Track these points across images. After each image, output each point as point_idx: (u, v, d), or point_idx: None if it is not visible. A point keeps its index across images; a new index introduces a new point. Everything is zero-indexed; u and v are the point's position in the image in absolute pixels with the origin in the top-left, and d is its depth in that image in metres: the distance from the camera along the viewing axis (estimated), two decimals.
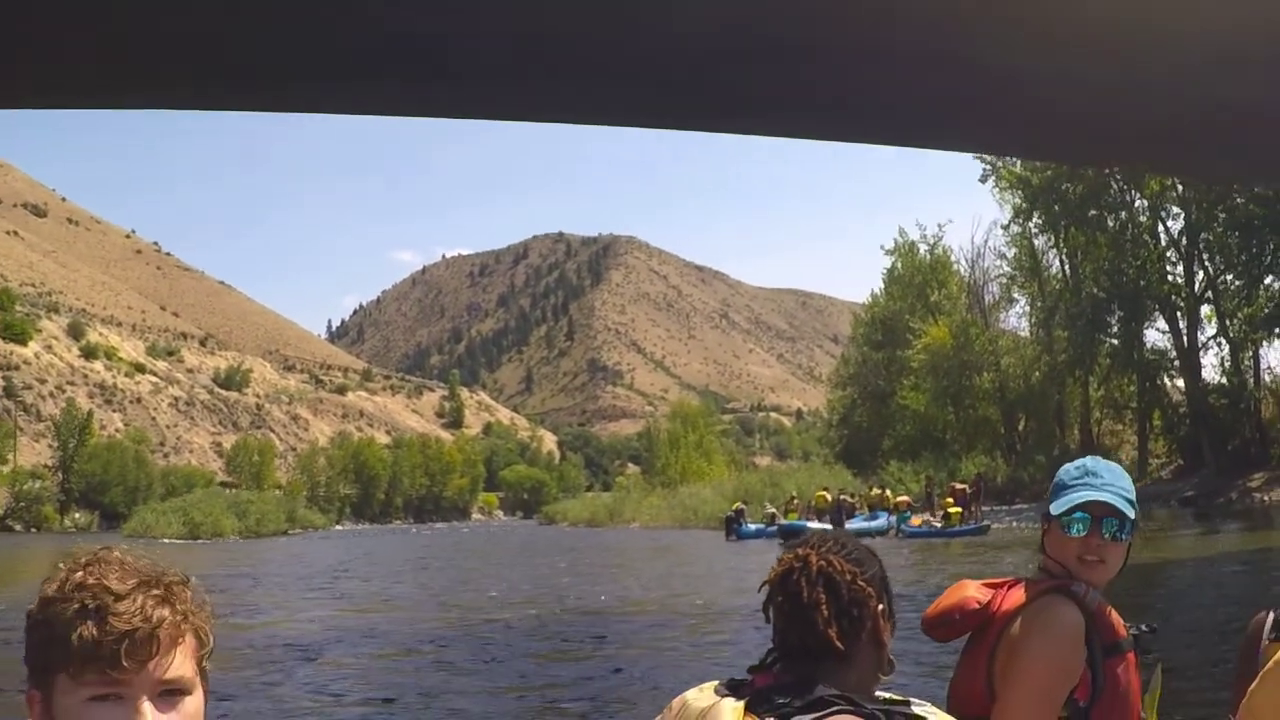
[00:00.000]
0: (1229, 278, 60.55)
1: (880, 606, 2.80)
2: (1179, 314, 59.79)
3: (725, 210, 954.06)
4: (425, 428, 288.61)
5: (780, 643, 2.77)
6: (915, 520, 50.54)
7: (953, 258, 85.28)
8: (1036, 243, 72.50)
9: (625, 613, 23.22)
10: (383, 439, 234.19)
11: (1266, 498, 49.55)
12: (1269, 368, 61.48)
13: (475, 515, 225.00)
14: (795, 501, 59.51)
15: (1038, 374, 72.08)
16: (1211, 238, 59.32)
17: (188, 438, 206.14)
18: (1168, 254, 61.51)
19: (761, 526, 54.90)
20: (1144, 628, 3.44)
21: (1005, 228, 70.52)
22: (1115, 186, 60.84)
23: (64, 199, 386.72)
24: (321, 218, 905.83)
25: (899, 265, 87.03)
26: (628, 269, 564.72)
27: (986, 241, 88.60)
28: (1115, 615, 3.32)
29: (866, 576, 2.79)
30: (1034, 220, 65.84)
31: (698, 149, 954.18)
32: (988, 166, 67.30)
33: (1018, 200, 66.37)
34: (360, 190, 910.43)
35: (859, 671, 2.73)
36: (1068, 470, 3.46)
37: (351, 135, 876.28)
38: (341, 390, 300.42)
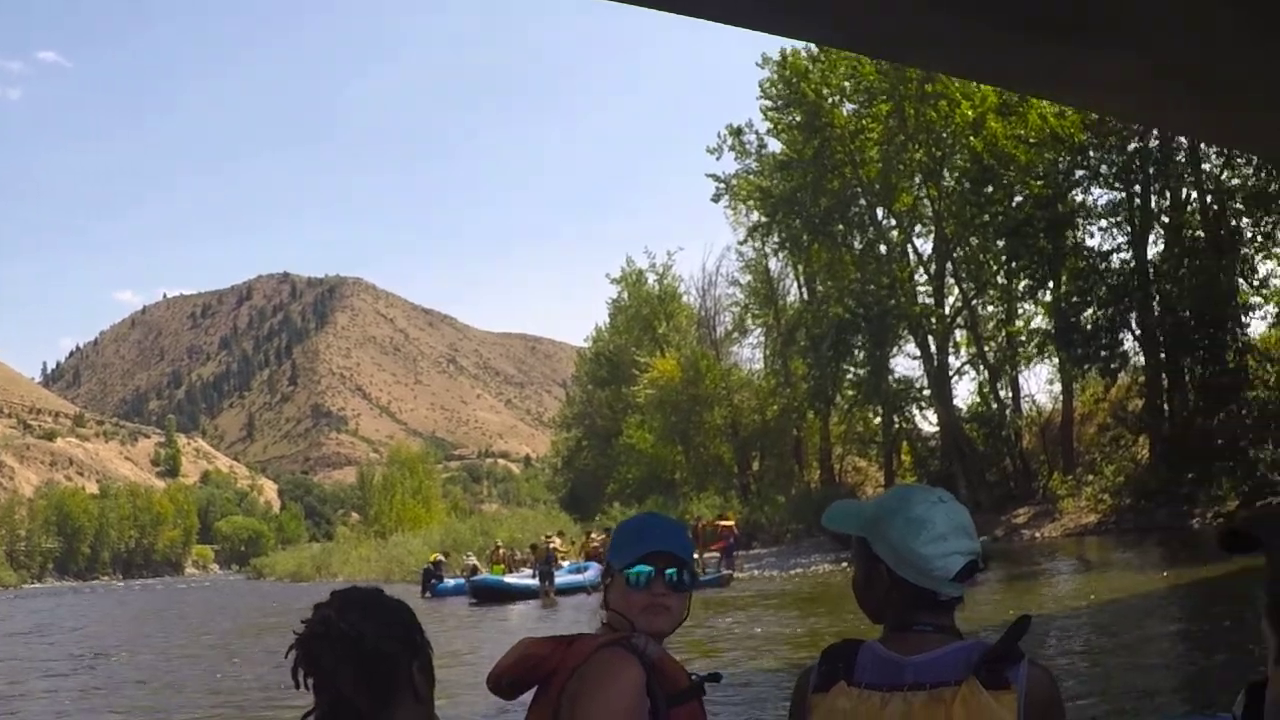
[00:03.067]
0: (985, 299, 56.76)
1: (414, 663, 2.90)
2: (930, 338, 55.08)
3: (455, 253, 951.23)
4: (139, 476, 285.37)
5: (317, 705, 2.83)
6: None
7: (682, 288, 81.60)
8: (772, 265, 68.48)
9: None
10: (93, 488, 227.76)
11: (1037, 534, 44.76)
12: (1029, 395, 57.39)
13: (189, 569, 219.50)
14: (500, 551, 54.07)
15: (774, 408, 67.30)
16: (964, 255, 54.96)
17: None
18: (917, 274, 56.82)
19: (461, 581, 49.03)
20: (707, 675, 3.46)
21: (742, 243, 65.43)
22: (863, 201, 56.14)
23: None
24: (37, 254, 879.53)
25: (625, 296, 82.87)
26: (354, 311, 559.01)
27: (719, 268, 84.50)
28: (677, 665, 3.36)
29: (395, 634, 2.87)
30: (772, 237, 60.68)
31: (428, 189, 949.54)
32: (720, 185, 62.41)
33: (756, 216, 61.19)
34: (79, 225, 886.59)
35: None
36: (628, 524, 3.57)
37: (70, 166, 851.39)
38: (50, 436, 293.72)
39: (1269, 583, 2.40)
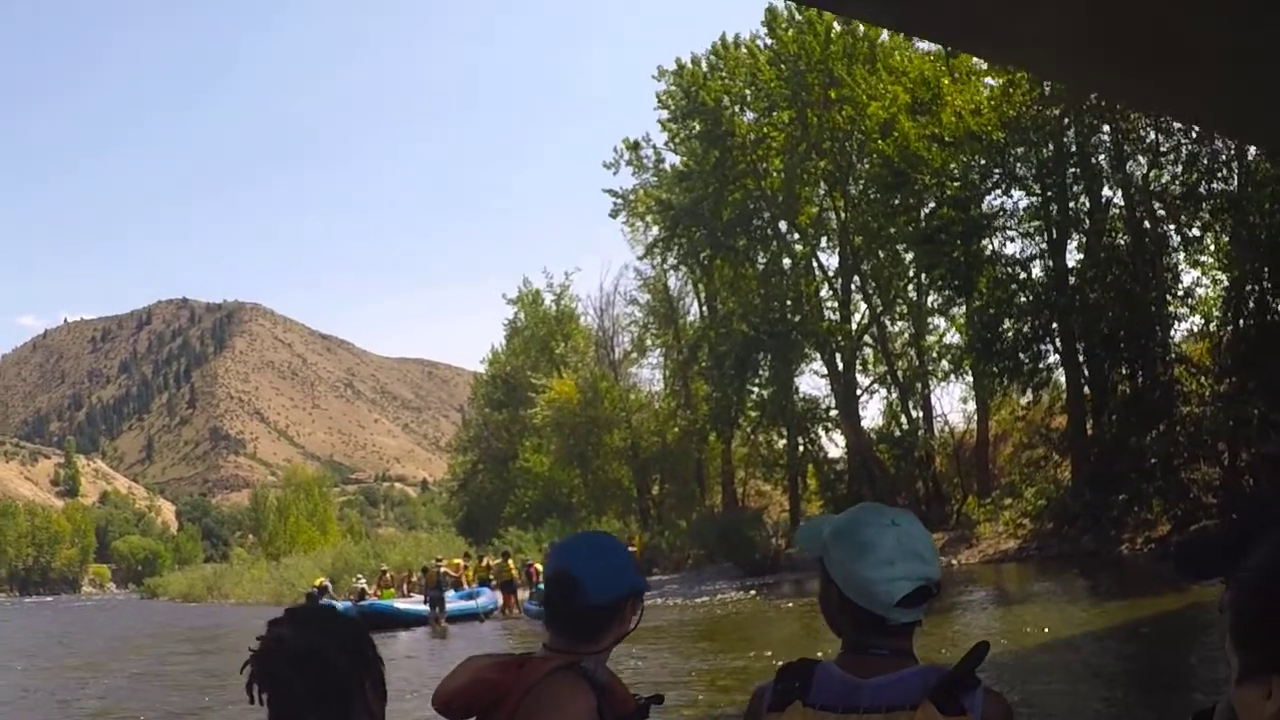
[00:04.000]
0: (894, 314, 54.31)
1: (367, 679, 2.91)
2: (838, 356, 52.84)
3: (351, 280, 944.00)
4: (39, 496, 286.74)
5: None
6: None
7: (580, 308, 79.41)
8: (672, 283, 66.31)
9: None
10: None
11: (954, 561, 41.44)
12: (941, 414, 54.95)
13: (86, 588, 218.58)
14: (389, 576, 51.23)
15: (674, 430, 64.97)
16: (872, 268, 52.62)
17: None
18: (823, 289, 54.68)
19: (348, 605, 46.15)
20: (650, 697, 3.45)
21: (641, 258, 63.19)
22: (766, 214, 53.87)
23: None
24: None
25: (522, 317, 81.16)
26: (252, 336, 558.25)
27: (617, 287, 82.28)
28: (623, 688, 3.41)
29: (347, 648, 2.88)
30: (673, 252, 58.42)
31: (325, 213, 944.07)
32: (618, 200, 60.30)
33: (655, 231, 58.95)
34: None
35: None
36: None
37: None
38: None
39: (1235, 598, 2.12)
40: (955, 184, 43.12)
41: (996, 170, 42.89)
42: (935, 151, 42.62)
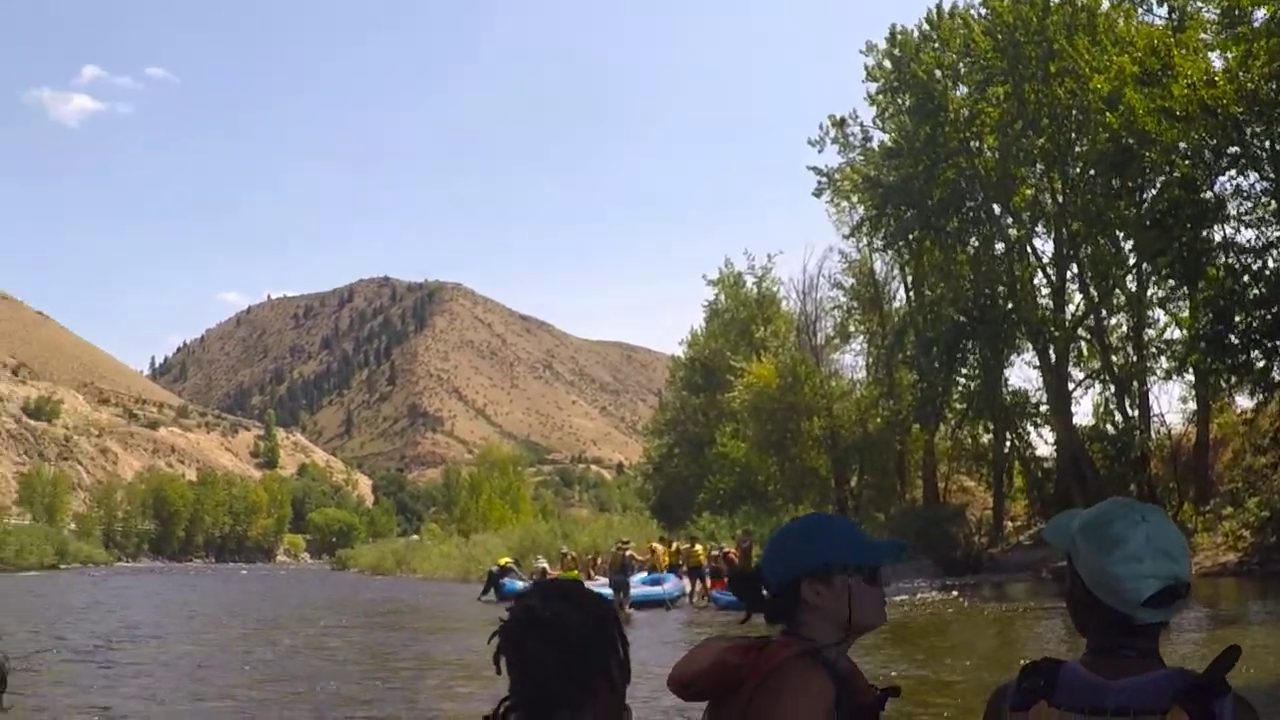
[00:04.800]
0: (1113, 305, 51.30)
1: (613, 656, 2.89)
2: (1051, 347, 50.11)
3: (554, 261, 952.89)
4: (238, 467, 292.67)
5: (514, 692, 2.86)
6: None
7: (781, 292, 77.73)
8: (878, 267, 64.29)
9: None
10: (192, 476, 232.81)
11: None
12: (1159, 414, 51.77)
13: (281, 557, 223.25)
14: (570, 557, 49.45)
15: (876, 420, 62.60)
16: (1090, 255, 49.75)
17: None
18: (1037, 277, 52.01)
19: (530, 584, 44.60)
20: (886, 689, 3.33)
21: (847, 237, 60.99)
22: (980, 194, 51.28)
23: None
24: (148, 255, 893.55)
25: (722, 299, 79.77)
26: (452, 316, 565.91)
27: (820, 270, 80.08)
28: (863, 678, 3.31)
29: (597, 625, 2.88)
30: (879, 233, 55.99)
31: (527, 197, 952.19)
32: (823, 179, 58.20)
33: (862, 211, 56.61)
34: (186, 228, 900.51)
35: None
36: (794, 528, 3.41)
37: (174, 171, 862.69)
38: (154, 425, 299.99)
39: None
40: (1186, 162, 40.05)
41: (1232, 149, 39.62)
42: (1165, 127, 39.39)
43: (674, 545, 48.48)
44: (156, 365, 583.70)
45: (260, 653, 25.43)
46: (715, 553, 43.99)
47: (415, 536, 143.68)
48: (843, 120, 56.44)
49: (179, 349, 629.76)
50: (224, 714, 16.50)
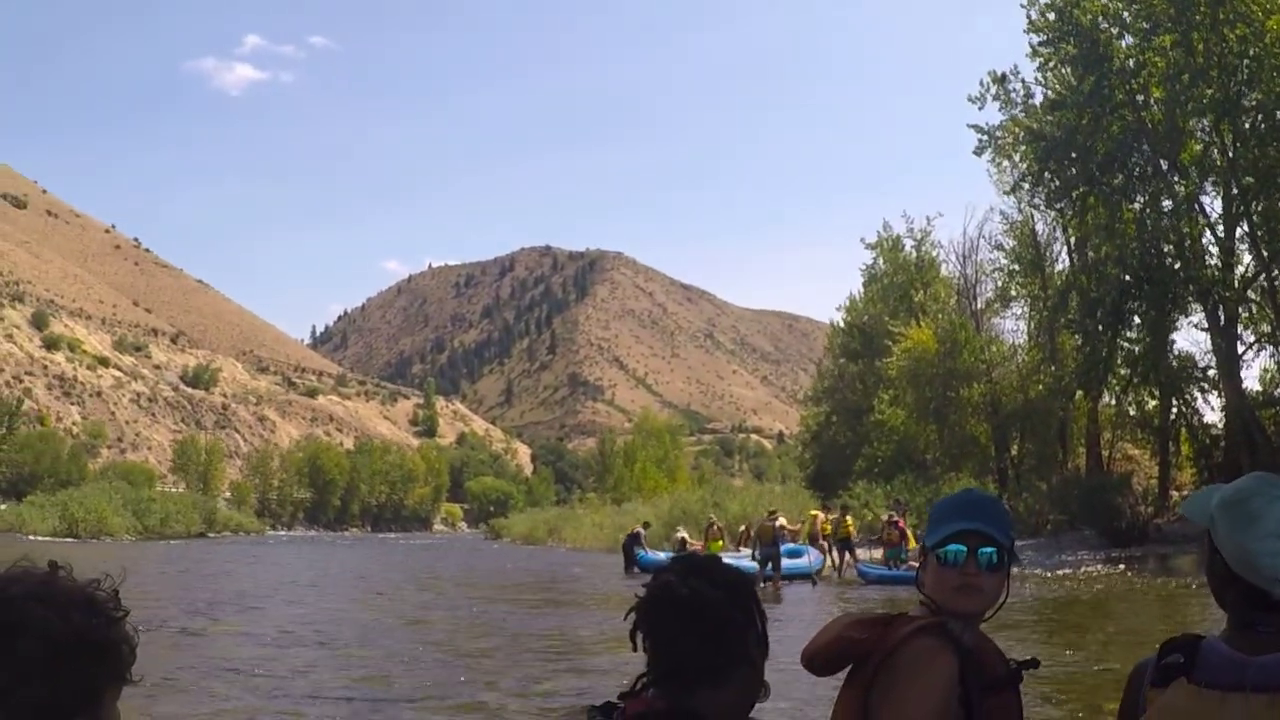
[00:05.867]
0: None
1: (751, 632, 2.91)
2: (1220, 309, 47.88)
3: (715, 230, 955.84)
4: (396, 435, 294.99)
5: (652, 668, 2.89)
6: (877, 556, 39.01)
7: (940, 255, 75.68)
8: (1039, 228, 62.04)
9: None
10: (350, 445, 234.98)
11: None
12: None
13: (438, 526, 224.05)
14: (716, 528, 47.24)
15: (1038, 386, 60.59)
16: (1262, 212, 47.22)
17: (147, 434, 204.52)
18: (1204, 235, 49.76)
19: (672, 554, 42.64)
20: (1024, 661, 3.42)
21: (1009, 192, 58.65)
22: (1146, 148, 49.05)
23: (44, 191, 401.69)
24: (310, 226, 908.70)
25: (880, 263, 78.12)
26: (614, 285, 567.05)
27: (981, 231, 77.81)
28: (995, 650, 3.39)
29: (735, 601, 2.89)
30: (1042, 189, 53.89)
31: (689, 167, 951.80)
32: (984, 137, 56.01)
33: (1026, 164, 54.45)
34: (348, 198, 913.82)
35: (732, 696, 2.87)
36: (944, 502, 3.53)
37: (335, 140, 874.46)
38: (313, 393, 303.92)
39: None
40: None
41: None
42: None
43: (818, 515, 46.82)
44: (317, 334, 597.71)
45: (359, 620, 25.28)
46: (889, 518, 41.77)
47: (566, 506, 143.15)
48: (1004, 76, 54.27)
49: (339, 318, 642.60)
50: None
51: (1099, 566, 36.87)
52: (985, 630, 3.40)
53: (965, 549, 3.30)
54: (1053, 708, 13.29)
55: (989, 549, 3.31)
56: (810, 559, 40.22)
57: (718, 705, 2.81)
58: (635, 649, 2.88)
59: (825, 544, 43.70)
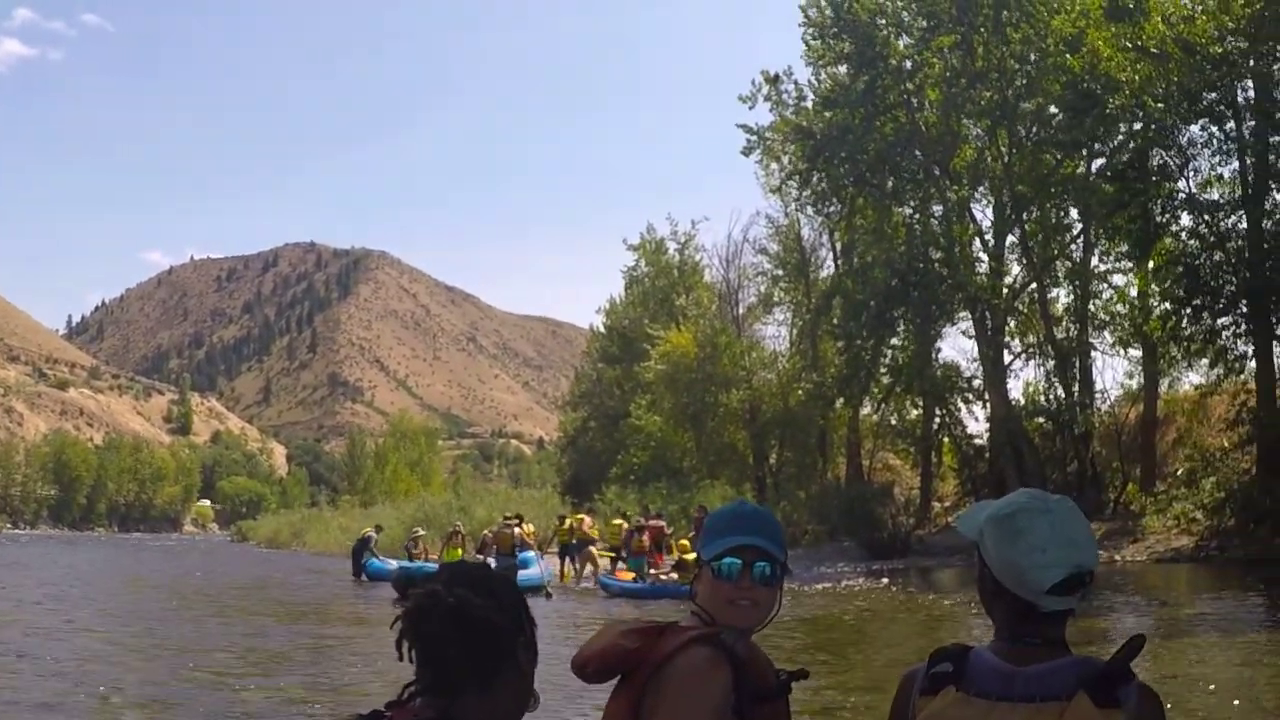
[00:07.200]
0: (1058, 273, 48.47)
1: (520, 639, 2.90)
2: (988, 317, 46.96)
3: (482, 233, 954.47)
4: (149, 432, 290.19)
5: (419, 677, 2.83)
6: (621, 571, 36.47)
7: (705, 259, 74.82)
8: (806, 233, 61.66)
9: None
10: (100, 440, 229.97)
11: (1116, 557, 35.30)
12: (1103, 390, 48.57)
13: (188, 527, 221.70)
14: (460, 535, 42.51)
15: (799, 393, 59.14)
16: (1033, 222, 46.85)
17: None
18: (974, 243, 48.90)
19: (403, 564, 39.80)
20: (793, 672, 3.43)
21: (775, 191, 57.24)
22: (919, 152, 48.00)
23: None
24: (70, 211, 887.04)
25: (642, 265, 76.90)
26: (377, 284, 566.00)
27: (745, 237, 76.91)
28: (765, 662, 3.39)
29: (503, 609, 2.86)
30: (810, 188, 52.55)
31: (457, 168, 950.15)
32: (752, 137, 54.38)
33: (794, 163, 52.92)
34: (111, 183, 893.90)
35: (501, 705, 2.86)
36: (719, 515, 3.51)
37: (102, 123, 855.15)
38: (63, 386, 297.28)
39: None
40: (1159, 104, 36.55)
41: (1210, 94, 36.26)
42: (1137, 64, 36.02)
43: (566, 522, 43.51)
44: (73, 324, 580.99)
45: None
46: (638, 524, 38.92)
47: (315, 508, 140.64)
48: (777, 76, 52.82)
49: (97, 308, 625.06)
50: None
51: (860, 580, 35.13)
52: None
53: (741, 563, 3.28)
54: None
55: (764, 563, 3.30)
56: (541, 569, 36.93)
57: (486, 713, 2.78)
58: (401, 659, 2.77)
59: (624, 552, 40.06)
